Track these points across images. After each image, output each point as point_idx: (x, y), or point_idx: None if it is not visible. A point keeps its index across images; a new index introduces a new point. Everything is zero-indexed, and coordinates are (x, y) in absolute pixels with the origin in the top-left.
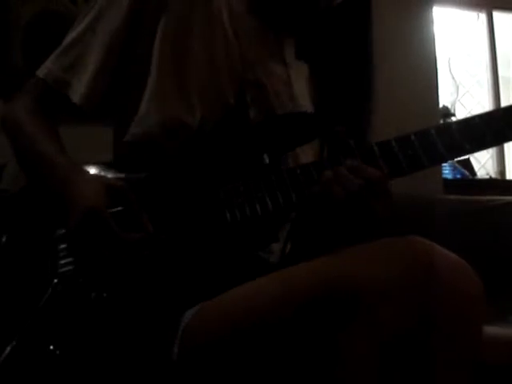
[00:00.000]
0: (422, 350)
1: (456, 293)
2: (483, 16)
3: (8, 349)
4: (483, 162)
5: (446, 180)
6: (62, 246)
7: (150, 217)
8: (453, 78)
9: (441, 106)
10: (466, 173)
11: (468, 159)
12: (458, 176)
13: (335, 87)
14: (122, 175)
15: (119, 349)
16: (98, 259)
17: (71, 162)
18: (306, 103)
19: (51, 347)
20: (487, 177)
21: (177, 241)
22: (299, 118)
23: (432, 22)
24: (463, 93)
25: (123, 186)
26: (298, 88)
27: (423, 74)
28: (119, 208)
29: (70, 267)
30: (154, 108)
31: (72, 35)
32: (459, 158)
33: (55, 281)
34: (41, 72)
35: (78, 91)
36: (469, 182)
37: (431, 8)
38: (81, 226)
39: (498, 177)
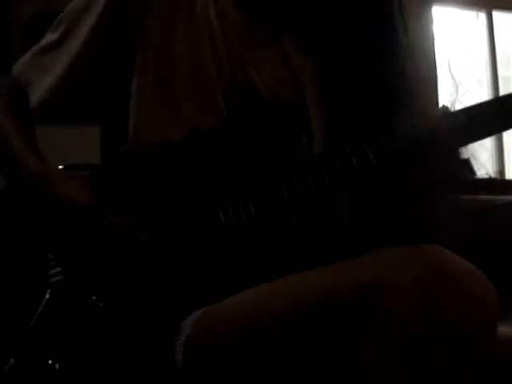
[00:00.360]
0: (435, 355)
1: (467, 296)
2: (483, 15)
3: (7, 367)
4: (483, 162)
5: None
6: (50, 255)
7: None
8: (452, 77)
9: (440, 105)
10: None
11: (467, 158)
12: None
13: (342, 81)
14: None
15: (119, 359)
16: (100, 257)
17: (40, 164)
18: (312, 96)
19: (50, 361)
20: (487, 176)
21: (172, 246)
22: (284, 116)
23: (432, 21)
24: (463, 92)
25: (100, 174)
26: (304, 82)
27: (423, 74)
28: (106, 197)
29: (58, 278)
30: (141, 126)
31: (50, 37)
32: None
33: (48, 291)
34: (15, 68)
35: (37, 94)
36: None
37: (431, 8)
38: (82, 227)
39: (498, 176)
